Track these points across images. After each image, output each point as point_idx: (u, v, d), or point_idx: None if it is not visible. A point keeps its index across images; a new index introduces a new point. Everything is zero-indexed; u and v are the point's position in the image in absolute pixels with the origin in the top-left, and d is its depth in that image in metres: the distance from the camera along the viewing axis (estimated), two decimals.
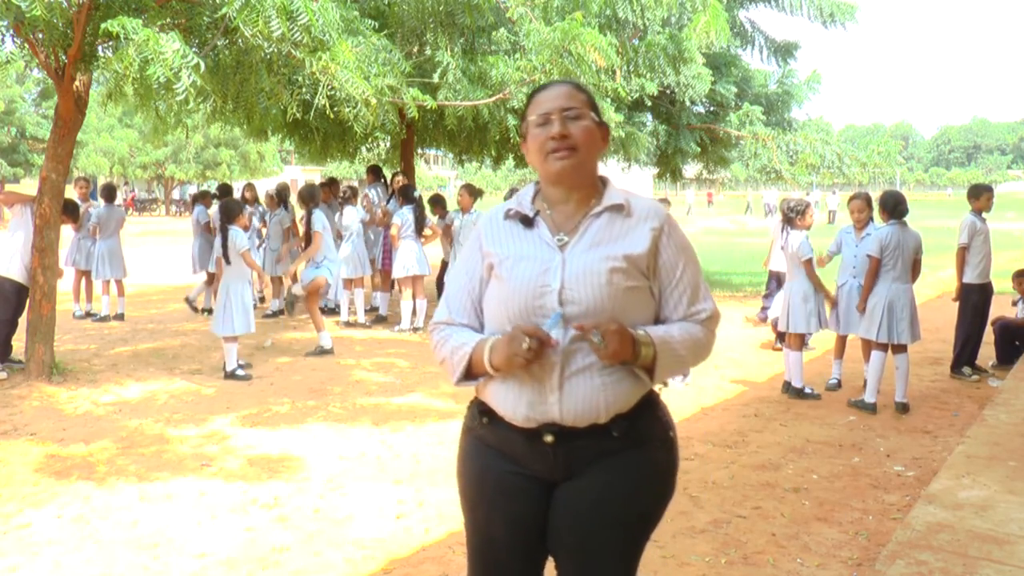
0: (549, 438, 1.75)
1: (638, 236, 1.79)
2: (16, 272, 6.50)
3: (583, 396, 1.72)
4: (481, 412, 1.86)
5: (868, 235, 6.14)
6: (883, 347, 5.82)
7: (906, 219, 5.84)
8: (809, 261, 6.05)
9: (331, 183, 9.93)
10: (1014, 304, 7.64)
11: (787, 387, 6.19)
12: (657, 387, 1.84)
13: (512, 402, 1.77)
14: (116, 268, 9.30)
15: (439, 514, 3.86)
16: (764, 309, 8.85)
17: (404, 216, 8.49)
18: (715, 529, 3.71)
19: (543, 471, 1.80)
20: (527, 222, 1.84)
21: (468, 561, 1.96)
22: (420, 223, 8.59)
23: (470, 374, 1.82)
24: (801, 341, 6.18)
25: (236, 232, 6.60)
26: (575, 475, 1.78)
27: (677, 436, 1.89)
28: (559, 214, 1.84)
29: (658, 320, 1.84)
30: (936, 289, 11.49)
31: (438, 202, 9.07)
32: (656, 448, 1.82)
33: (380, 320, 9.27)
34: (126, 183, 44.42)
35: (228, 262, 6.56)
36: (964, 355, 6.75)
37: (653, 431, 1.83)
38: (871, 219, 6.30)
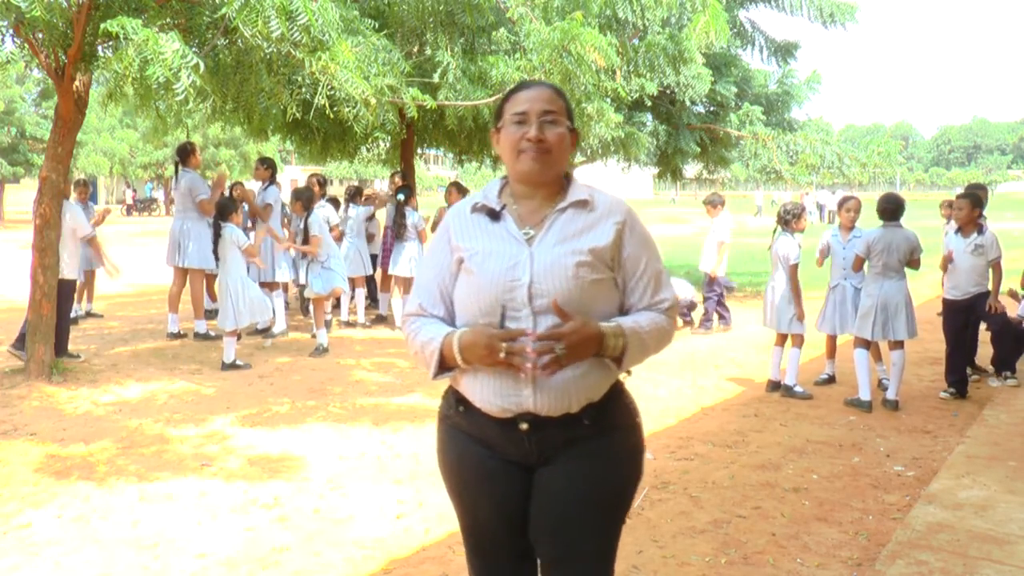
0: (524, 426, 1.82)
1: (602, 230, 1.86)
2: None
3: (556, 388, 1.79)
4: (457, 401, 1.93)
5: (856, 237, 6.19)
6: (866, 344, 5.87)
7: (900, 221, 5.85)
8: (796, 267, 6.11)
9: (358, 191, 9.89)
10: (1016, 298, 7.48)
11: (772, 386, 6.25)
12: (622, 376, 1.92)
13: (488, 394, 1.83)
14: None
15: (439, 514, 3.85)
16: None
17: (414, 217, 8.58)
18: (715, 529, 3.71)
19: (518, 456, 1.88)
20: (493, 215, 1.90)
21: (464, 544, 2.03)
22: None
23: (443, 366, 1.87)
24: (794, 340, 6.19)
25: (232, 229, 6.79)
26: (549, 460, 1.86)
27: (642, 421, 1.98)
28: (524, 208, 1.90)
29: (622, 309, 1.91)
30: (936, 289, 11.48)
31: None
32: (624, 433, 1.92)
33: (380, 320, 9.28)
34: (127, 184, 44.39)
35: (218, 258, 6.91)
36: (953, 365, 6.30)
37: (621, 418, 1.92)
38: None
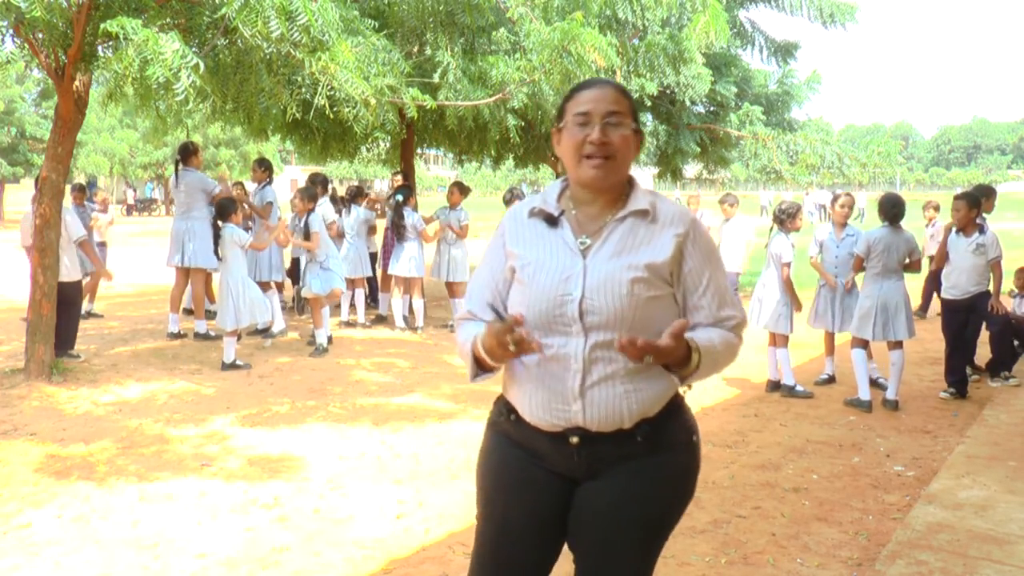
0: (575, 440, 1.76)
1: (662, 243, 1.77)
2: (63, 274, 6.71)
3: (606, 404, 1.72)
4: (508, 409, 1.86)
5: (849, 235, 6.21)
6: (864, 344, 5.88)
7: (901, 222, 5.85)
8: (788, 266, 6.17)
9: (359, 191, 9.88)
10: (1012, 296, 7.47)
11: (772, 386, 6.27)
12: (682, 390, 1.84)
13: (535, 408, 1.78)
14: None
15: (439, 514, 3.86)
16: None
17: (413, 217, 8.58)
18: (715, 529, 3.71)
19: (565, 469, 1.81)
20: (551, 221, 1.82)
21: (473, 556, 1.94)
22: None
23: (483, 367, 1.83)
24: (778, 339, 6.22)
25: (232, 229, 6.82)
26: (597, 475, 1.79)
27: (700, 439, 1.89)
28: (583, 215, 1.82)
29: None
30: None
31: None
32: (679, 452, 1.84)
33: (380, 320, 9.28)
34: (127, 184, 44.38)
35: (219, 259, 6.91)
36: (953, 365, 6.28)
37: (677, 436, 1.83)
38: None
